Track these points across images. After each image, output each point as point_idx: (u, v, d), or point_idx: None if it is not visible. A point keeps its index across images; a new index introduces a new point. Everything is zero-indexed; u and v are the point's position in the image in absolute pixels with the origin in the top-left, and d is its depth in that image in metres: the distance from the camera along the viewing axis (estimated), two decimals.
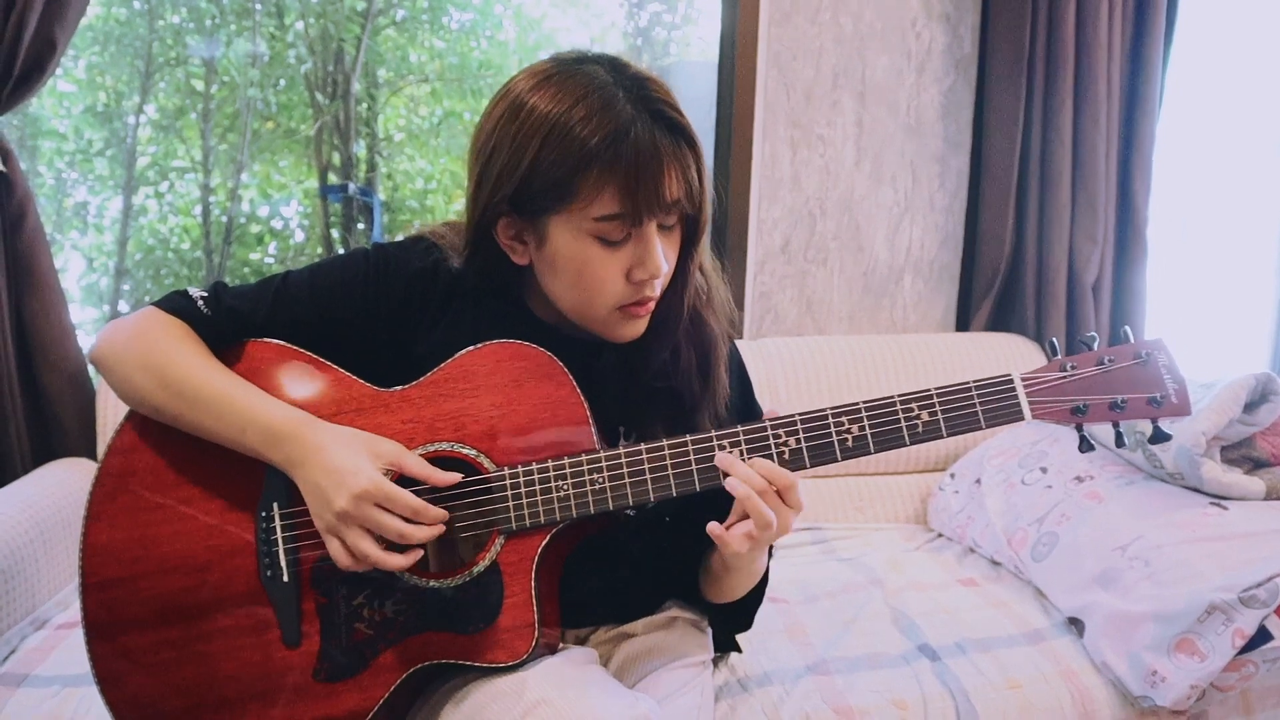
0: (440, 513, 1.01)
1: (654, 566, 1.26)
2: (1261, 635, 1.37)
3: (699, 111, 2.58)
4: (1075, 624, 1.58)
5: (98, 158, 3.86)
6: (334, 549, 1.00)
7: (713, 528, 1.01)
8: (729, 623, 1.30)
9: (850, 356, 2.22)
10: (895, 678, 1.45)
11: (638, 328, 1.09)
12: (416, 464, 1.03)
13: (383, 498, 0.98)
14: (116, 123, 3.86)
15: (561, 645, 1.14)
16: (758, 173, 2.33)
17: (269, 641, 1.06)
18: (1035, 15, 2.26)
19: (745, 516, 1.00)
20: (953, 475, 2.12)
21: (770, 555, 1.20)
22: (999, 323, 2.47)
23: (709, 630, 1.33)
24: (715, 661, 1.41)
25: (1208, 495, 1.64)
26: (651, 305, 1.08)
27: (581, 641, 1.25)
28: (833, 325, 2.45)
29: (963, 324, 2.54)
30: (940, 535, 2.09)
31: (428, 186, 4.31)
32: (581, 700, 0.95)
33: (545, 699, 0.94)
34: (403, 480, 1.04)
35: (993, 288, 2.41)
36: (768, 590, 1.25)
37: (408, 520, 0.99)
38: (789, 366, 2.18)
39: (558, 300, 1.09)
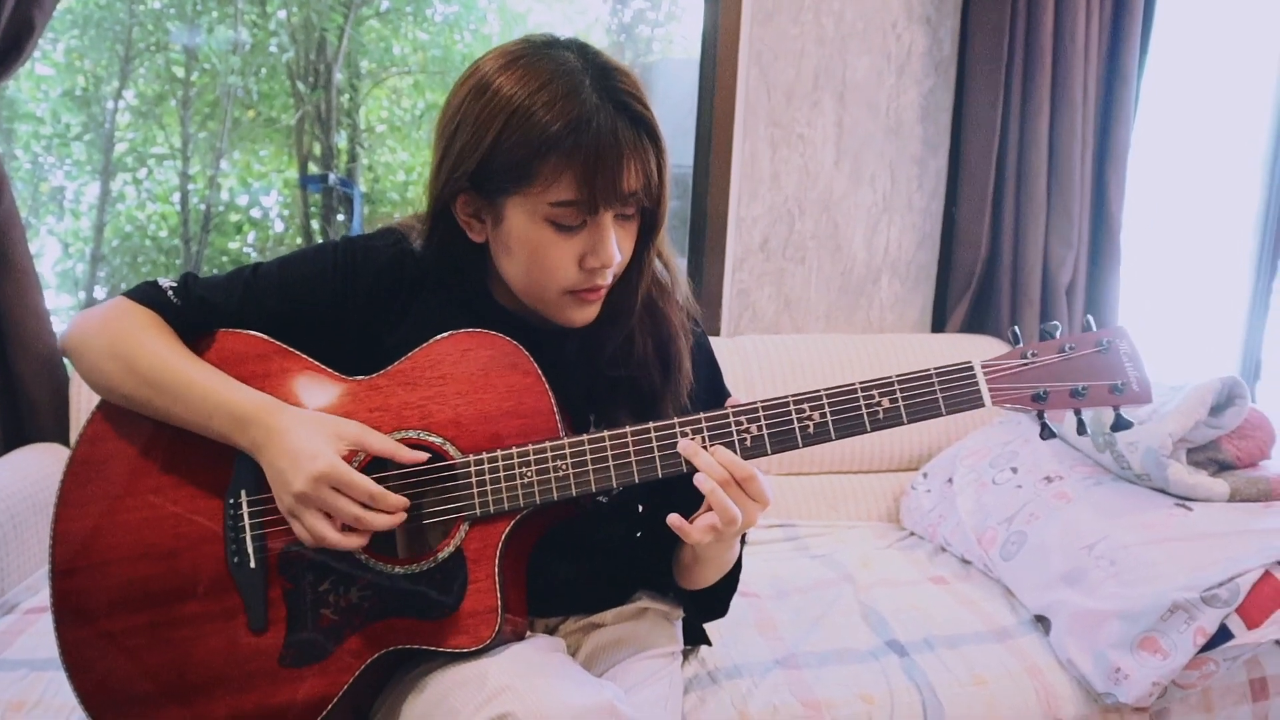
0: (399, 500, 1.01)
1: (624, 557, 1.27)
2: (1222, 634, 1.39)
3: (681, 109, 2.58)
4: (1042, 622, 1.60)
5: (75, 142, 3.82)
6: (296, 529, 1.01)
7: (673, 520, 1.01)
8: (704, 610, 1.30)
9: (827, 355, 2.24)
10: (863, 672, 1.47)
11: (588, 313, 1.09)
12: (380, 441, 1.03)
13: (339, 482, 0.98)
14: (95, 107, 3.83)
15: (529, 633, 1.15)
16: (737, 171, 2.34)
17: (236, 627, 1.06)
18: (1014, 20, 2.27)
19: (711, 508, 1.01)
20: (925, 474, 2.14)
21: (743, 543, 1.20)
22: (974, 324, 2.49)
23: (679, 622, 1.33)
24: (685, 654, 1.42)
25: (1173, 496, 1.66)
26: (602, 292, 1.08)
27: (551, 631, 1.26)
28: (810, 324, 2.46)
29: (939, 325, 2.56)
30: (912, 534, 2.11)
31: (409, 179, 4.30)
32: (545, 687, 0.96)
33: (508, 685, 0.95)
34: (373, 465, 1.05)
35: (969, 289, 2.43)
36: (740, 585, 1.25)
37: (366, 506, 1.00)
38: (765, 364, 2.19)
39: (510, 280, 1.09)
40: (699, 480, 1.00)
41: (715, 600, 1.26)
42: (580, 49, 1.03)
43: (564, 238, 1.02)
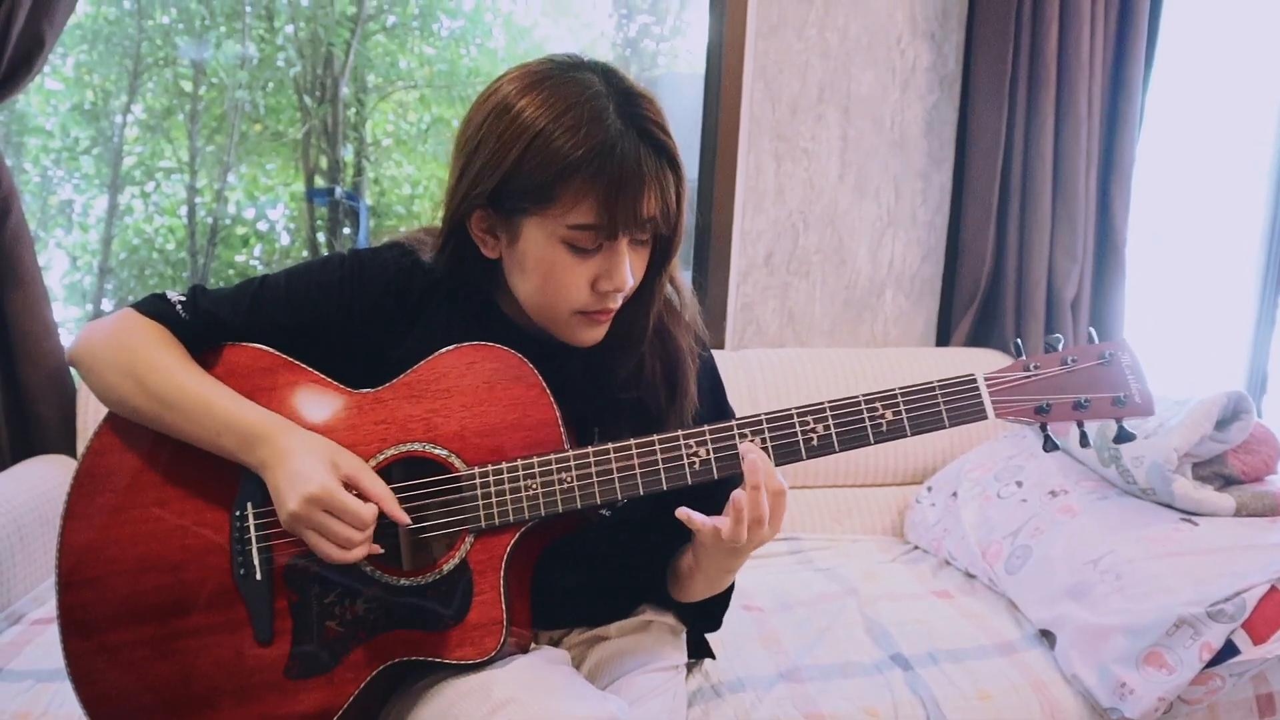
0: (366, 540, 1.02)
1: (629, 569, 1.27)
2: (1229, 649, 1.39)
3: (686, 123, 2.59)
4: (1047, 636, 1.60)
5: (84, 156, 3.84)
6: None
7: (683, 511, 1.01)
8: (696, 620, 1.31)
9: (830, 369, 2.24)
10: (867, 686, 1.46)
11: (596, 334, 1.10)
12: (373, 485, 1.03)
13: (331, 505, 0.99)
14: (103, 121, 3.85)
15: (534, 645, 1.15)
16: (742, 185, 2.34)
17: (242, 639, 1.07)
18: (1019, 35, 2.28)
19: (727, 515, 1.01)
20: (929, 488, 2.13)
21: None
22: (979, 338, 2.49)
23: (683, 635, 1.33)
24: (689, 667, 1.42)
25: (1179, 511, 1.65)
26: (612, 313, 1.09)
27: (555, 643, 1.26)
28: (814, 338, 2.47)
29: (943, 339, 2.55)
30: (916, 547, 2.10)
31: (414, 192, 4.31)
32: (549, 700, 0.96)
33: (513, 698, 0.95)
34: (382, 475, 1.06)
35: (973, 303, 2.43)
36: (743, 598, 1.26)
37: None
38: (769, 378, 2.19)
39: (522, 298, 1.10)
40: (747, 470, 1.00)
41: (708, 614, 1.26)
42: (604, 73, 1.03)
43: (579, 260, 1.03)
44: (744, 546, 1.02)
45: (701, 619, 1.30)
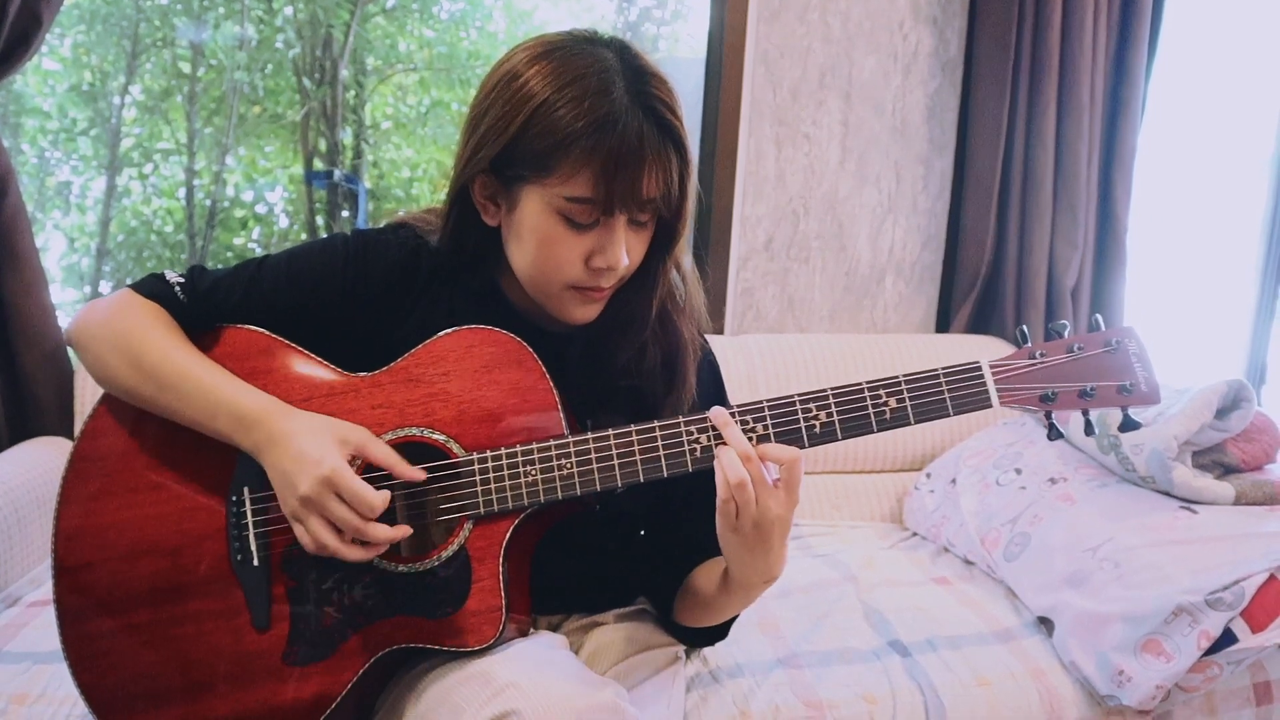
0: (399, 530, 1.00)
1: (628, 558, 1.27)
2: (1227, 637, 1.39)
3: (686, 108, 2.57)
4: (1045, 623, 1.60)
5: (81, 137, 3.82)
6: (299, 533, 1.00)
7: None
8: (707, 638, 1.27)
9: (830, 355, 2.24)
10: (865, 672, 1.46)
11: (589, 311, 1.09)
12: (382, 453, 1.02)
13: (343, 489, 0.97)
14: (101, 102, 3.82)
15: (532, 631, 1.15)
16: (742, 169, 2.33)
17: (239, 625, 1.06)
18: (1021, 21, 2.27)
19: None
20: (929, 475, 2.13)
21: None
22: (979, 325, 2.49)
23: None
24: (687, 652, 1.42)
25: (1178, 499, 1.65)
26: (605, 294, 1.08)
27: (553, 628, 1.26)
28: (814, 324, 2.46)
29: (943, 325, 2.55)
30: (915, 534, 2.11)
31: (413, 175, 4.29)
32: (549, 685, 0.95)
33: (513, 683, 0.94)
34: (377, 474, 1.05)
35: (973, 290, 2.43)
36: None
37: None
38: (769, 363, 2.19)
39: (517, 269, 1.09)
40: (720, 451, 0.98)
41: (720, 627, 1.23)
42: (620, 49, 1.02)
43: (574, 234, 1.02)
44: (769, 521, 0.98)
45: (711, 635, 1.25)
